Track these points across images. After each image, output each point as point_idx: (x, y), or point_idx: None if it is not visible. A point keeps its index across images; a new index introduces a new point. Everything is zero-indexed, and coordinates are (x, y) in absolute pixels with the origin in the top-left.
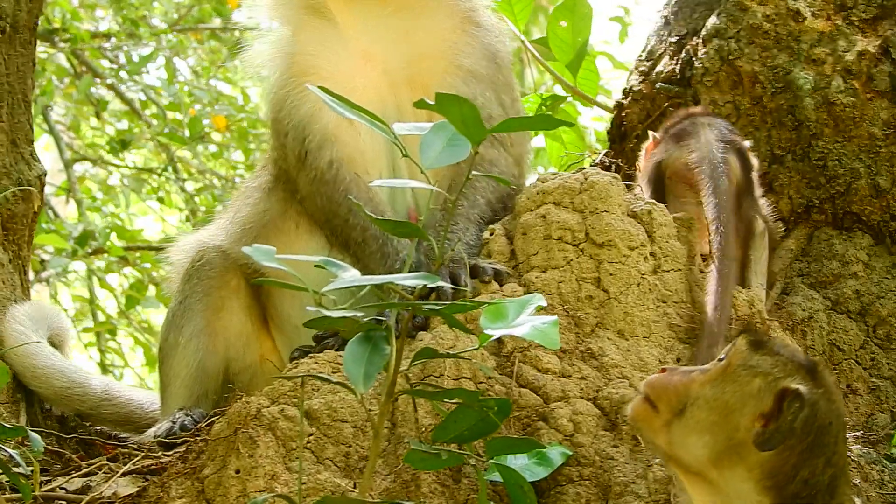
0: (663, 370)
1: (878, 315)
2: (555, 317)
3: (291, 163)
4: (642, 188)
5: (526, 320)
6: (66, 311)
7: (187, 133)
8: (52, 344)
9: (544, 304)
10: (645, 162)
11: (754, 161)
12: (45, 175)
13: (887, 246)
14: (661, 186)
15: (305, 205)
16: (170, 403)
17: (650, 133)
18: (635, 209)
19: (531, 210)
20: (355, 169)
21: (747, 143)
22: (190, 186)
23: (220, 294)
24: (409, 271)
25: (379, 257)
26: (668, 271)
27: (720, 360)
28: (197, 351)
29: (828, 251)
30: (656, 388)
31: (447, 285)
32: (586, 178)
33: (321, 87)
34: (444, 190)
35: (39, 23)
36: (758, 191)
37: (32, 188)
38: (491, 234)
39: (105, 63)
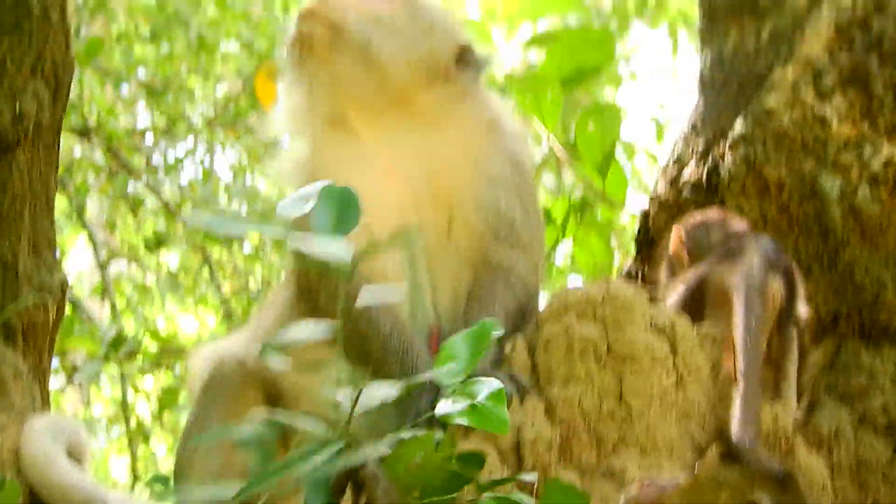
0: (640, 484)
1: None
2: (500, 384)
3: (312, 278)
4: (663, 279)
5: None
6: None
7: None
8: (71, 457)
9: (500, 332)
10: (678, 264)
11: (799, 280)
12: (68, 283)
13: None
14: (702, 304)
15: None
16: None
17: (674, 228)
18: (659, 322)
19: (553, 322)
20: (375, 283)
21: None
22: (226, 287)
23: (238, 408)
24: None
25: (399, 372)
26: (691, 385)
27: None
28: (214, 466)
29: (855, 363)
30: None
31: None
32: (609, 290)
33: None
34: (461, 298)
35: (74, 120)
36: (802, 308)
37: (53, 296)
38: (513, 348)
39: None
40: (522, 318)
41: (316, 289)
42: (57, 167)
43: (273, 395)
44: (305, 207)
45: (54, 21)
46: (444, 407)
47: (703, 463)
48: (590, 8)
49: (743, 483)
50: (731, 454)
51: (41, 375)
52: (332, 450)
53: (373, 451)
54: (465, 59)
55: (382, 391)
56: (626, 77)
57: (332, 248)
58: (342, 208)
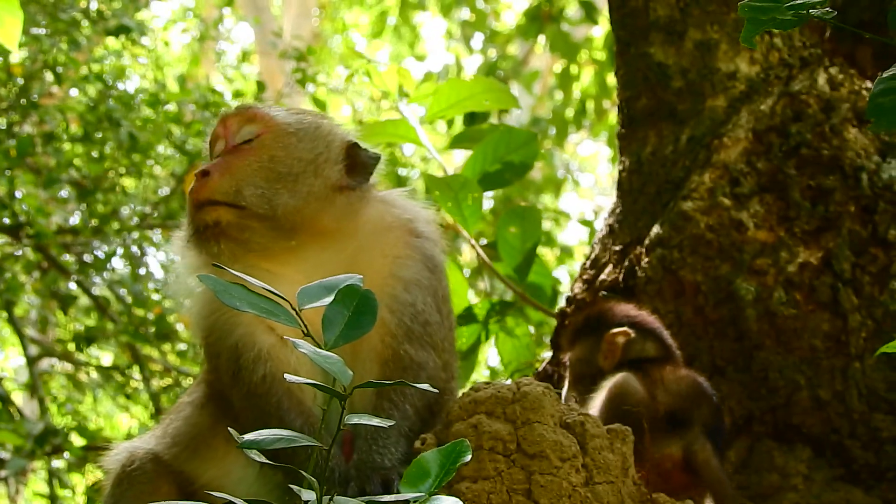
0: None
1: None
2: (456, 501)
3: (225, 381)
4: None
5: None
6: None
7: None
8: None
9: (469, 456)
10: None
11: None
12: None
13: (827, 459)
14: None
15: (239, 420)
16: None
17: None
18: (568, 420)
19: (463, 419)
20: (289, 385)
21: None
22: (156, 384)
23: (151, 500)
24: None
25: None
26: (601, 483)
27: None
28: None
29: (768, 463)
30: None
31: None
32: (519, 388)
33: (210, 277)
34: (373, 393)
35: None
36: None
37: None
38: (423, 444)
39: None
40: (431, 415)
41: (229, 391)
42: None
43: (187, 491)
44: (325, 300)
45: None
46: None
47: None
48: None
49: None
50: None
51: None
52: None
53: None
54: (354, 160)
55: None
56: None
57: (334, 367)
58: (359, 310)
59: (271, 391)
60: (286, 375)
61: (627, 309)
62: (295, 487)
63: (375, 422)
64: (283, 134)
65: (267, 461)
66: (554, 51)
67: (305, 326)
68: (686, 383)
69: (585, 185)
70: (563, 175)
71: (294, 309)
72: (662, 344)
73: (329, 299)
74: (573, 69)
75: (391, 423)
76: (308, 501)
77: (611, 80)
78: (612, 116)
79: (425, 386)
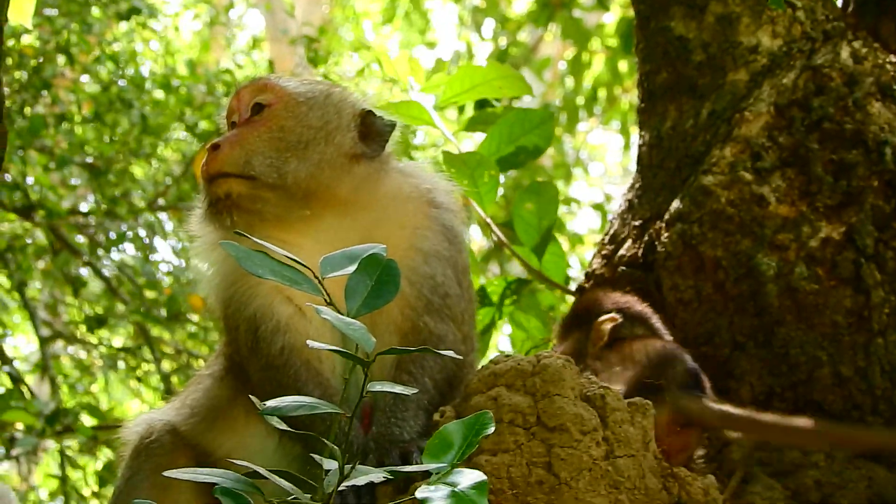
0: None
1: None
2: (483, 477)
3: (243, 353)
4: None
5: (451, 482)
6: (34, 489)
7: (164, 312)
8: None
9: (492, 429)
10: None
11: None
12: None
13: None
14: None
15: (256, 392)
16: None
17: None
18: (588, 393)
19: (482, 392)
20: (307, 356)
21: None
22: (167, 366)
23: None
24: (357, 457)
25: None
26: (621, 457)
27: None
28: None
29: None
30: None
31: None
32: (539, 361)
33: (232, 244)
34: (391, 366)
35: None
36: None
37: None
38: (442, 416)
39: (82, 240)
40: (451, 388)
41: (247, 363)
42: None
43: (205, 463)
44: (348, 269)
45: None
46: (424, 492)
47: None
48: (539, 103)
49: None
50: None
51: None
52: None
53: None
54: (369, 128)
55: (371, 474)
56: (579, 174)
57: (357, 334)
58: (381, 280)
59: (289, 362)
60: (309, 342)
61: (615, 296)
62: (317, 457)
63: (398, 389)
64: (294, 103)
65: (288, 428)
66: (565, 37)
67: (328, 295)
68: (653, 350)
69: (595, 174)
70: (575, 159)
71: (317, 277)
72: (650, 327)
73: (352, 268)
74: (584, 56)
75: (414, 390)
76: (329, 470)
77: (623, 67)
78: (624, 104)
79: (449, 353)
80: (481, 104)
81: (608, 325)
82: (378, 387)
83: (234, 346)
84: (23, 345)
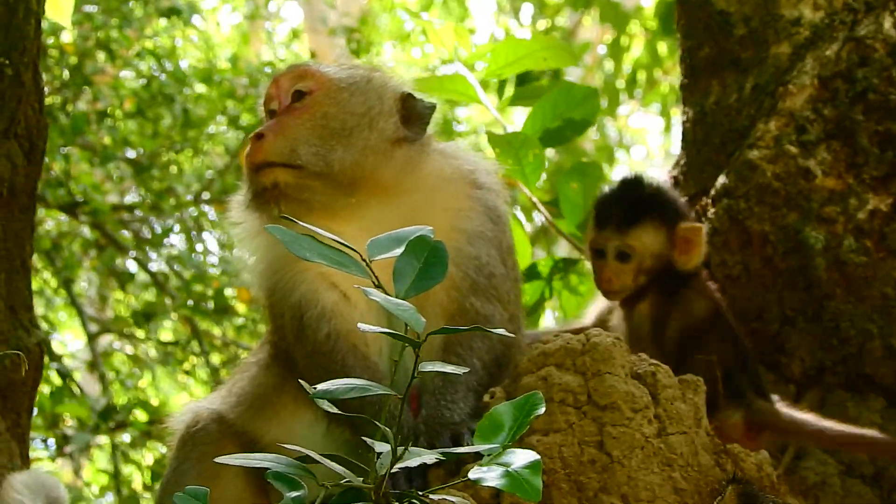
0: None
1: (893, 479)
2: (536, 457)
3: (289, 340)
4: None
5: (504, 462)
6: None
7: (212, 305)
8: None
9: (543, 409)
10: None
11: None
12: (47, 342)
13: None
14: None
15: (303, 379)
16: None
17: None
18: (639, 370)
19: (532, 372)
20: (353, 341)
21: None
22: (215, 359)
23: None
24: (408, 440)
25: (375, 426)
26: (673, 434)
27: None
28: None
29: (840, 414)
30: None
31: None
32: (588, 340)
33: (280, 229)
34: (439, 350)
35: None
36: None
37: (30, 355)
38: (492, 398)
39: (128, 235)
40: (499, 369)
41: (293, 350)
42: (33, 229)
43: (250, 450)
44: (395, 251)
45: (27, 83)
46: (477, 472)
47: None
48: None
49: None
50: (749, 496)
51: (20, 434)
52: None
53: None
54: (410, 111)
55: (424, 456)
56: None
57: (407, 315)
58: (429, 261)
59: (336, 349)
60: (360, 325)
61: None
62: (368, 440)
63: (449, 369)
64: (335, 89)
65: (339, 412)
66: (603, 21)
67: (376, 277)
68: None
69: (637, 158)
70: (618, 141)
71: (364, 260)
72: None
73: (399, 250)
74: (623, 40)
75: (465, 369)
76: (381, 453)
77: (662, 49)
78: (664, 86)
79: (500, 331)
80: (523, 79)
81: (703, 238)
82: (429, 367)
83: (279, 333)
84: (70, 342)
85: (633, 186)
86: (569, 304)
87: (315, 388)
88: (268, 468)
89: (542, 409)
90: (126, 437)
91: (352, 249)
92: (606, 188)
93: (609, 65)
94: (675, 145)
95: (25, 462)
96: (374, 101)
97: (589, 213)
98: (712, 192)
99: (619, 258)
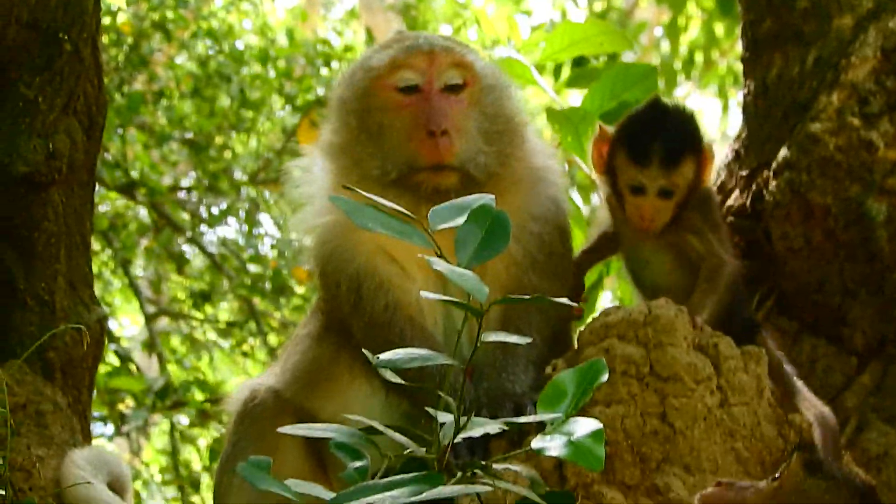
0: (718, 484)
1: None
2: (599, 425)
3: (345, 311)
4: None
5: (566, 431)
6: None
7: (269, 286)
8: (113, 489)
9: (606, 376)
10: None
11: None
12: (106, 318)
13: None
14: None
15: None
16: None
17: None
18: (701, 342)
19: (594, 343)
20: (411, 313)
21: None
22: (273, 340)
23: (273, 436)
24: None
25: (436, 396)
26: (736, 405)
27: (774, 478)
28: (251, 494)
29: None
30: None
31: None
32: (650, 311)
33: (342, 199)
34: (497, 323)
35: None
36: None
37: (91, 331)
38: (553, 370)
39: (185, 216)
40: (557, 344)
41: (349, 321)
42: (92, 206)
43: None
44: (458, 220)
45: (86, 59)
46: (540, 442)
47: (787, 471)
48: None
49: (828, 497)
50: (814, 464)
51: (81, 410)
52: (435, 482)
53: (470, 488)
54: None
55: (487, 426)
56: None
57: (470, 283)
58: (491, 231)
59: (394, 320)
60: (422, 293)
61: None
62: (431, 410)
63: (512, 338)
64: (490, 88)
65: (401, 381)
66: (661, 2)
67: (438, 247)
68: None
69: None
70: None
71: (426, 230)
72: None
73: (461, 219)
74: (680, 20)
75: (527, 339)
76: (444, 423)
77: (719, 30)
78: (721, 68)
79: (563, 300)
80: (578, 63)
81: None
82: (493, 336)
83: (333, 303)
84: (127, 325)
85: (667, 115)
86: (625, 290)
87: (378, 358)
88: (330, 438)
89: (606, 376)
90: (184, 420)
91: (414, 219)
92: (635, 117)
93: (666, 46)
94: (733, 126)
95: (87, 439)
96: (516, 108)
97: (612, 145)
98: (774, 165)
99: (661, 195)
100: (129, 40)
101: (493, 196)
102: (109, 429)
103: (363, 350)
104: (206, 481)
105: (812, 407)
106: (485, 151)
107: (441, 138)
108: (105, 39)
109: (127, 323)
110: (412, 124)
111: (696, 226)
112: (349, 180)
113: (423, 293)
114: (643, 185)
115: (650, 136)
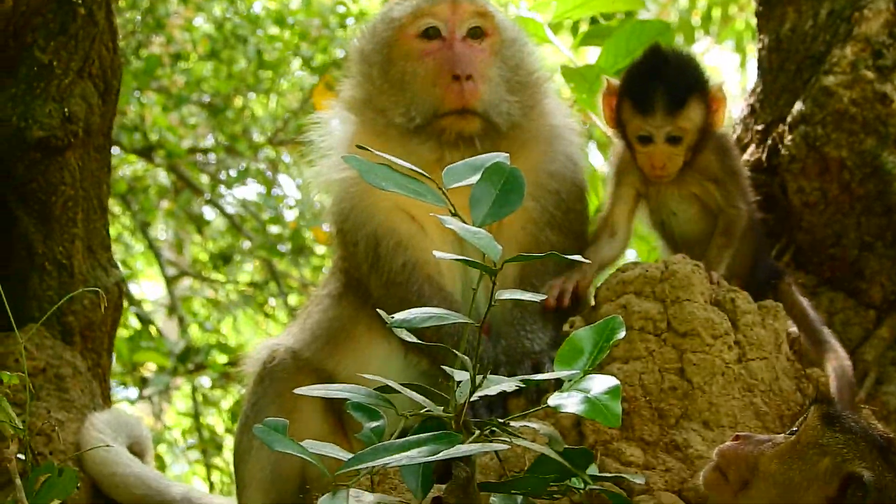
0: (736, 437)
1: None
2: (616, 382)
3: (363, 270)
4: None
5: (584, 388)
6: (169, 428)
7: (288, 247)
8: (133, 452)
9: (623, 333)
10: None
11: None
12: (124, 281)
13: None
14: None
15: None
16: None
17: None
18: (718, 297)
19: (611, 300)
20: (429, 271)
21: None
22: (293, 300)
23: (292, 395)
24: (487, 369)
25: (454, 355)
26: (754, 360)
27: (792, 432)
28: (271, 454)
29: None
30: (727, 457)
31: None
32: (667, 267)
33: (356, 158)
34: (513, 281)
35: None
36: None
37: (109, 295)
38: (571, 327)
39: (204, 178)
40: (573, 303)
41: (367, 280)
42: (109, 169)
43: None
44: (472, 179)
45: (100, 23)
46: (557, 399)
47: (805, 425)
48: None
49: (846, 451)
50: (832, 417)
51: (101, 373)
52: (453, 441)
53: (488, 446)
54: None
55: (504, 384)
56: None
57: (483, 242)
58: (506, 188)
59: (412, 279)
60: (435, 252)
61: None
62: (447, 368)
63: (528, 296)
64: (511, 41)
65: (417, 341)
66: None
67: (452, 206)
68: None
69: None
70: None
71: (440, 188)
72: None
73: (475, 178)
74: None
75: (542, 296)
76: (461, 382)
77: None
78: (739, 23)
79: (576, 257)
80: (594, 19)
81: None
82: (507, 294)
83: (351, 261)
84: (147, 287)
85: (667, 62)
86: (641, 242)
87: (393, 318)
88: (347, 398)
89: (623, 333)
90: (206, 381)
91: (428, 178)
92: (635, 68)
93: (683, 1)
94: (751, 81)
95: (107, 402)
96: (537, 62)
97: (618, 97)
98: (789, 119)
99: (670, 142)
100: (146, 3)
101: (507, 154)
102: (133, 392)
103: (378, 310)
104: (229, 444)
105: (834, 357)
106: (507, 100)
107: (466, 83)
108: (122, 3)
109: (148, 287)
110: (436, 70)
111: (714, 173)
112: (373, 130)
113: (437, 253)
114: (650, 133)
115: (651, 84)
